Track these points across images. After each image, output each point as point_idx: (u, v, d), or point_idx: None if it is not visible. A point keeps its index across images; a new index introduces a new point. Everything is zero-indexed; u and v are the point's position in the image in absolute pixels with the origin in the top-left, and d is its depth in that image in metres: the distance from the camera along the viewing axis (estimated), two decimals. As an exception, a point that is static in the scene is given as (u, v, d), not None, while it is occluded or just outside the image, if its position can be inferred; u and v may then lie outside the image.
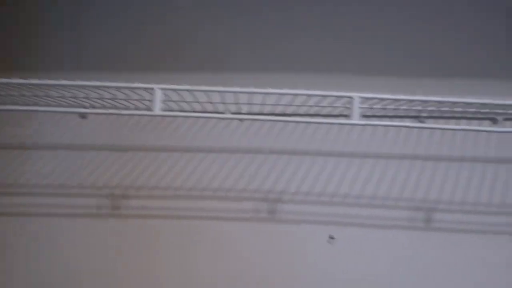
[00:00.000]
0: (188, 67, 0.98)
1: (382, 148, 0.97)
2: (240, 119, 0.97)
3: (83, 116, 0.99)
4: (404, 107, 0.89)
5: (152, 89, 0.70)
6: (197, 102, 0.84)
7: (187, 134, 0.99)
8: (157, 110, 0.70)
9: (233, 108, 0.96)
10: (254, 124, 0.98)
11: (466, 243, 0.94)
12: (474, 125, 0.96)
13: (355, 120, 0.67)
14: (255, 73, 0.98)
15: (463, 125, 0.96)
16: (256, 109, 0.88)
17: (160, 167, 0.98)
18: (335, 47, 0.98)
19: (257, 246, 0.96)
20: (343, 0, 0.98)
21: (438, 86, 0.97)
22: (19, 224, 0.98)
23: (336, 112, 0.96)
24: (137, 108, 0.87)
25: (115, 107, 0.85)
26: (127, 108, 0.87)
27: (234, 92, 0.72)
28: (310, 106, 0.90)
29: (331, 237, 0.95)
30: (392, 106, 0.90)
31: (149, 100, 0.71)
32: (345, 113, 0.97)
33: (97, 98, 0.82)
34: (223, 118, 0.94)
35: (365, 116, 0.98)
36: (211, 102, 0.82)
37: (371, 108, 0.88)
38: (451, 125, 0.96)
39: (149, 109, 0.70)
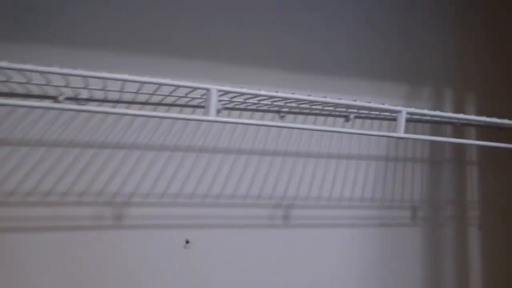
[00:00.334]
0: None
1: (241, 144, 0.91)
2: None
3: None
4: (266, 102, 0.85)
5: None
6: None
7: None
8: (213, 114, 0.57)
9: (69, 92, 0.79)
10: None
11: (321, 237, 0.95)
12: (330, 122, 0.98)
13: (212, 115, 0.59)
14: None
15: (320, 121, 0.98)
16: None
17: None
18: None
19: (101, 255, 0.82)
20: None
21: (299, 81, 0.95)
22: None
23: (195, 103, 0.87)
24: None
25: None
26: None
27: (64, 75, 0.56)
28: (164, 95, 0.79)
29: (187, 241, 0.87)
30: (254, 100, 0.85)
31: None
32: (203, 104, 0.88)
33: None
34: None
35: (227, 109, 0.92)
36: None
37: (231, 102, 0.81)
38: (309, 121, 0.97)
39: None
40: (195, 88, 0.60)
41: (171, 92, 0.76)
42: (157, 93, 0.77)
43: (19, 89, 0.77)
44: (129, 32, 0.84)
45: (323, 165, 0.97)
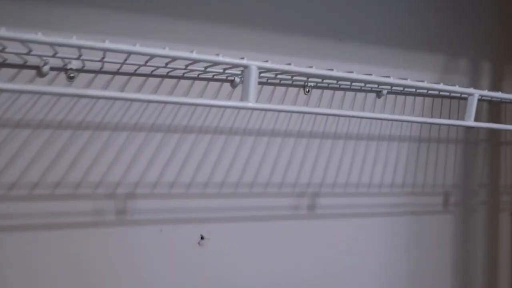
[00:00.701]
0: None
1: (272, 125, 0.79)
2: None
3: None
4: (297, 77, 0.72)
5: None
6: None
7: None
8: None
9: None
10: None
11: (348, 228, 0.86)
12: (360, 98, 0.86)
13: (251, 101, 0.45)
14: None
15: (349, 97, 0.85)
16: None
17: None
18: None
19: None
20: None
21: (320, 50, 0.82)
22: None
23: (209, 75, 0.73)
24: None
25: None
26: None
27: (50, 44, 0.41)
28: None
29: (202, 237, 0.76)
30: (283, 76, 0.72)
31: None
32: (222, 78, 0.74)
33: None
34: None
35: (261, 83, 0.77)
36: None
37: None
38: (338, 96, 0.84)
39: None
40: (232, 65, 0.47)
41: (187, 66, 0.61)
42: (168, 65, 0.63)
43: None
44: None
45: (352, 147, 0.85)
